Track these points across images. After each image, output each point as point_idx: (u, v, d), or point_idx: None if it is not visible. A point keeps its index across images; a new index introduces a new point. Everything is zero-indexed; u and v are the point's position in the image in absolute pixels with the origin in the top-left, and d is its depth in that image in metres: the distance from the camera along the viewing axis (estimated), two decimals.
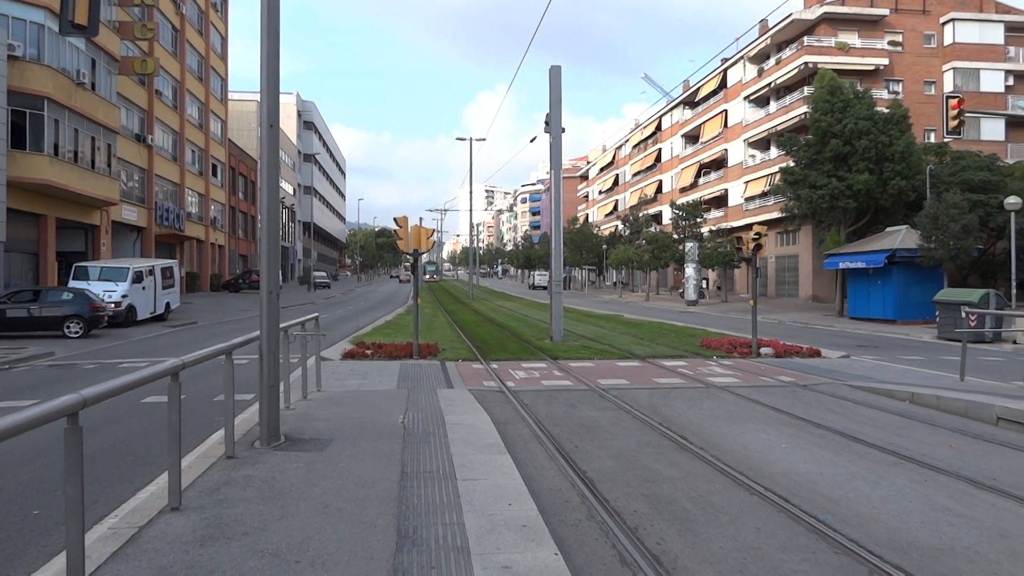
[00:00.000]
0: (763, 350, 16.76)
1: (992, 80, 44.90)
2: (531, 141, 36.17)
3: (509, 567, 3.94)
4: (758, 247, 16.90)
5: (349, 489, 5.34)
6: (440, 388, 11.28)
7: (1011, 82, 45.53)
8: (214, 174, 51.72)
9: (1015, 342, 22.57)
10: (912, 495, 6.12)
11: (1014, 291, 25.32)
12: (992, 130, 44.77)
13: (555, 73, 19.93)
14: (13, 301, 21.36)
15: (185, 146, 45.00)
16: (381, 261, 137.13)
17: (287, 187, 74.26)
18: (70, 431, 3.21)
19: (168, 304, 28.27)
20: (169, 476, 4.76)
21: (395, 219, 15.65)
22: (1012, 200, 24.58)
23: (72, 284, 24.41)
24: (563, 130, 20.09)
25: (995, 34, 45.52)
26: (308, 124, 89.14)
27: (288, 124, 77.68)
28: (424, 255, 16.51)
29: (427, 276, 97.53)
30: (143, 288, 25.77)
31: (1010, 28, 45.80)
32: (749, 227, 47.88)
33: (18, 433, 2.88)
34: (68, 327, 20.96)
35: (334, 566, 3.93)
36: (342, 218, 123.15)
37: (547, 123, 20.18)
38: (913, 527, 5.33)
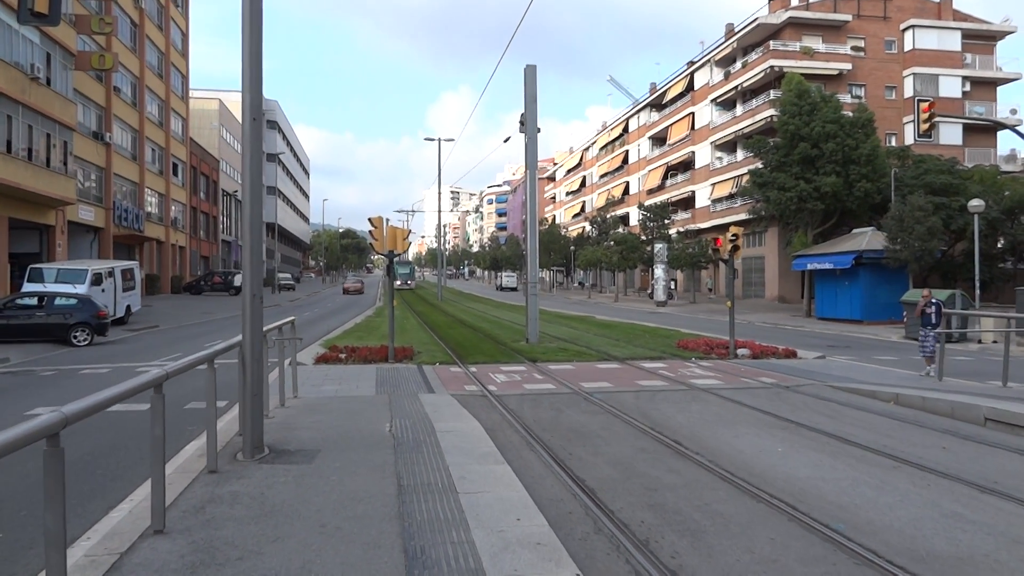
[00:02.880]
0: (740, 351, 16.75)
1: (950, 86, 46.00)
2: (505, 141, 35.89)
3: None
4: (735, 248, 16.88)
5: (345, 505, 5.01)
6: (421, 393, 10.97)
7: (968, 88, 46.72)
8: (175, 173, 50.34)
9: (979, 341, 23.01)
10: (919, 500, 6.01)
11: (978, 292, 25.85)
12: (950, 135, 45.84)
13: (530, 72, 19.70)
14: (16, 307, 20.10)
15: (145, 144, 43.69)
16: (346, 263, 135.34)
17: None
18: (50, 454, 2.85)
19: (129, 307, 27.32)
20: (152, 495, 4.37)
21: (370, 219, 15.27)
22: (975, 203, 25.07)
23: (27, 287, 23.40)
24: (538, 130, 19.88)
25: (953, 41, 46.66)
26: (271, 123, 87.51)
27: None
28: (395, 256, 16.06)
29: (397, 282, 75.19)
30: (102, 291, 24.82)
31: (967, 35, 47.01)
32: (717, 228, 48.13)
33: None
34: (75, 336, 19.75)
35: None
36: (306, 219, 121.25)
37: (522, 123, 19.94)
38: (928, 534, 5.20)
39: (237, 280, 50.56)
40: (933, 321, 14.11)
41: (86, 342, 19.87)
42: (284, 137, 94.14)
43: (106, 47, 35.74)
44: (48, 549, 2.89)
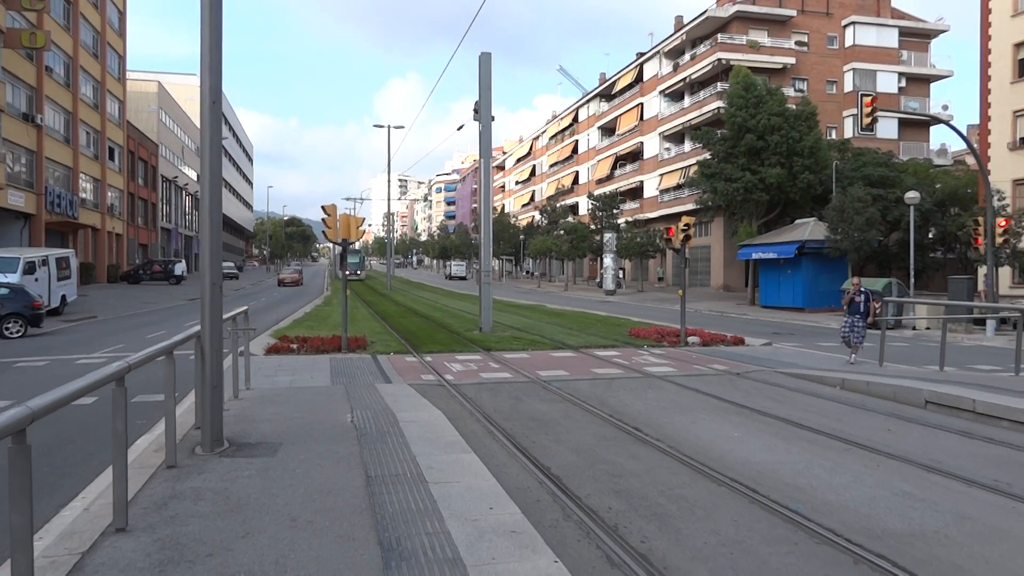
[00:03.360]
0: (690, 339, 17.11)
1: (887, 81, 47.61)
2: (458, 129, 35.65)
3: None
4: (687, 237, 17.19)
5: (314, 498, 4.93)
6: (378, 383, 10.87)
7: (904, 84, 48.45)
8: (111, 158, 48.44)
9: (914, 328, 24.00)
10: (870, 481, 6.24)
11: (912, 280, 26.93)
12: (887, 129, 47.44)
13: (485, 60, 19.60)
14: None
15: (79, 127, 41.90)
16: (291, 251, 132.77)
17: (191, 173, 70.60)
18: (16, 451, 2.72)
19: (64, 297, 26.28)
20: (114, 491, 4.21)
21: (323, 207, 15.01)
22: (912, 195, 26.07)
23: None
24: (492, 118, 19.80)
25: (890, 38, 48.29)
26: None
27: (193, 107, 73.65)
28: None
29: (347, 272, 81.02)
30: (36, 280, 23.79)
31: (904, 33, 48.71)
32: (665, 219, 48.62)
33: None
34: (7, 327, 18.91)
35: None
36: (249, 206, 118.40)
37: (476, 111, 19.85)
38: (881, 513, 5.41)
39: (178, 269, 49.07)
40: (861, 310, 14.49)
41: (19, 334, 19.06)
42: (227, 122, 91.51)
43: (38, 24, 34.07)
44: (14, 549, 2.76)
